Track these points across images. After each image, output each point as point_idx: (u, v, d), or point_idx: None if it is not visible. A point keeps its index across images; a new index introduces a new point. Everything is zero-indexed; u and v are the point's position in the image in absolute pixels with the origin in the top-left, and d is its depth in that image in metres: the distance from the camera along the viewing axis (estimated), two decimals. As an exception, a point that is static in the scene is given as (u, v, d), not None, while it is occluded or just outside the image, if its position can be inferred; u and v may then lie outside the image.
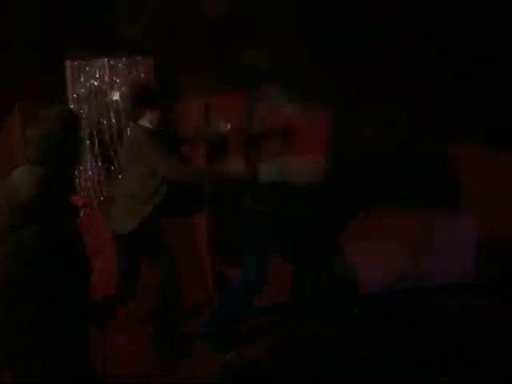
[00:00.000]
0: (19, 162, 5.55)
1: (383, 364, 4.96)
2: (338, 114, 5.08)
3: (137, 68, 10.60)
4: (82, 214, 8.68)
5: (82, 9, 8.29)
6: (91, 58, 9.90)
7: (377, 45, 5.42)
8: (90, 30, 8.39)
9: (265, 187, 5.13)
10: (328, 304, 5.58)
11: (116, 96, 10.73)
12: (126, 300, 5.58)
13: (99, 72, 10.44)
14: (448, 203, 6.08)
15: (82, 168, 10.05)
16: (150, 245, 5.26)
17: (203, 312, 6.07)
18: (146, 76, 10.23)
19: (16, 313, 3.50)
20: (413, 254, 6.05)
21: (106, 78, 10.55)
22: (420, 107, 5.56)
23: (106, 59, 10.35)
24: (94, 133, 10.44)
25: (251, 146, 5.28)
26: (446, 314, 5.73)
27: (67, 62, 9.46)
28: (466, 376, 4.63)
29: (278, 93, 5.03)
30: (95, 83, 10.36)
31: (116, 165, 10.57)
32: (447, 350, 5.09)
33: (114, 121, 10.71)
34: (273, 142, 5.23)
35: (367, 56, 5.50)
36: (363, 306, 5.76)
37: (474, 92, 5.51)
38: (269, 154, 5.18)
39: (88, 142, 10.30)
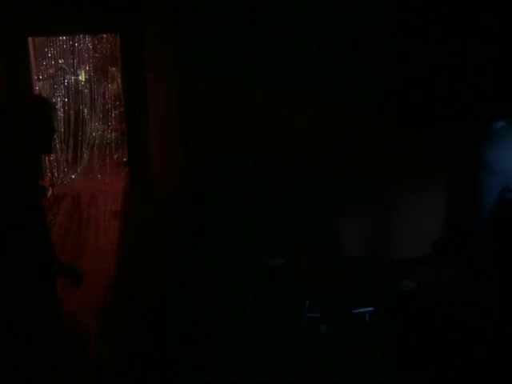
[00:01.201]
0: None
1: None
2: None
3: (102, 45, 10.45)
4: (49, 194, 8.63)
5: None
6: (55, 34, 9.67)
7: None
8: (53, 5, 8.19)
9: None
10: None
11: (81, 75, 10.57)
12: None
13: (64, 50, 10.21)
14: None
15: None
16: None
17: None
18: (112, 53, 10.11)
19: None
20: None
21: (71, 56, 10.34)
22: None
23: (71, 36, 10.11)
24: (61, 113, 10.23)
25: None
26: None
27: (29, 39, 9.21)
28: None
29: None
30: (60, 61, 10.13)
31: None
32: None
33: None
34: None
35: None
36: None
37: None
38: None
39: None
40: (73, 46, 10.27)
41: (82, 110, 10.63)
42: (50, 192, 8.78)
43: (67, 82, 10.28)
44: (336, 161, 5.03)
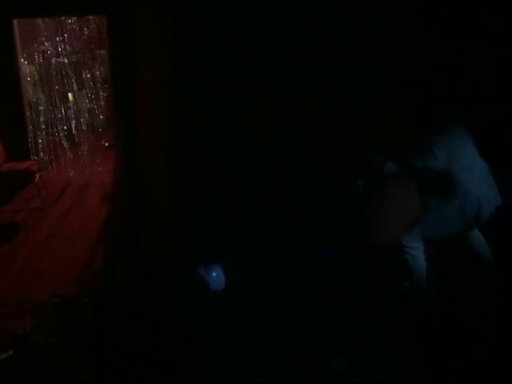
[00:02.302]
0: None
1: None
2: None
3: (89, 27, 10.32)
4: (37, 179, 8.58)
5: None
6: (40, 16, 9.52)
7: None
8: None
9: None
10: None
11: (68, 57, 10.45)
12: None
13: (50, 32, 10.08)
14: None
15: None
16: None
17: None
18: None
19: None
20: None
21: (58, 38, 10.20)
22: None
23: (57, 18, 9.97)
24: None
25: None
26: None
27: (15, 21, 9.07)
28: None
29: None
30: (46, 44, 10.01)
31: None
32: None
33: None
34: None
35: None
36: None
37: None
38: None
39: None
40: (60, 27, 10.14)
41: (69, 92, 10.55)
42: (38, 176, 8.74)
43: (54, 65, 10.18)
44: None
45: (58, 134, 10.39)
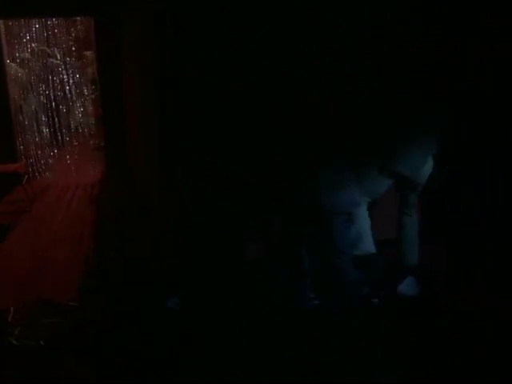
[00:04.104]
0: None
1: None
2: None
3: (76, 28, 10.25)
4: (24, 181, 8.51)
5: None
6: (27, 17, 9.45)
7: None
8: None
9: None
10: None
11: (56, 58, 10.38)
12: None
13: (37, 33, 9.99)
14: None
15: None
16: None
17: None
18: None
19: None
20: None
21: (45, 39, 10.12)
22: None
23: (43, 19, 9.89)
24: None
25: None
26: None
27: (0, 22, 8.99)
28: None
29: None
30: (34, 45, 9.93)
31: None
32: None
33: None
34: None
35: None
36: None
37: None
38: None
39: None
40: (48, 28, 10.07)
41: (57, 94, 10.48)
42: (26, 178, 8.68)
43: (41, 66, 10.11)
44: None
45: (47, 136, 10.31)
